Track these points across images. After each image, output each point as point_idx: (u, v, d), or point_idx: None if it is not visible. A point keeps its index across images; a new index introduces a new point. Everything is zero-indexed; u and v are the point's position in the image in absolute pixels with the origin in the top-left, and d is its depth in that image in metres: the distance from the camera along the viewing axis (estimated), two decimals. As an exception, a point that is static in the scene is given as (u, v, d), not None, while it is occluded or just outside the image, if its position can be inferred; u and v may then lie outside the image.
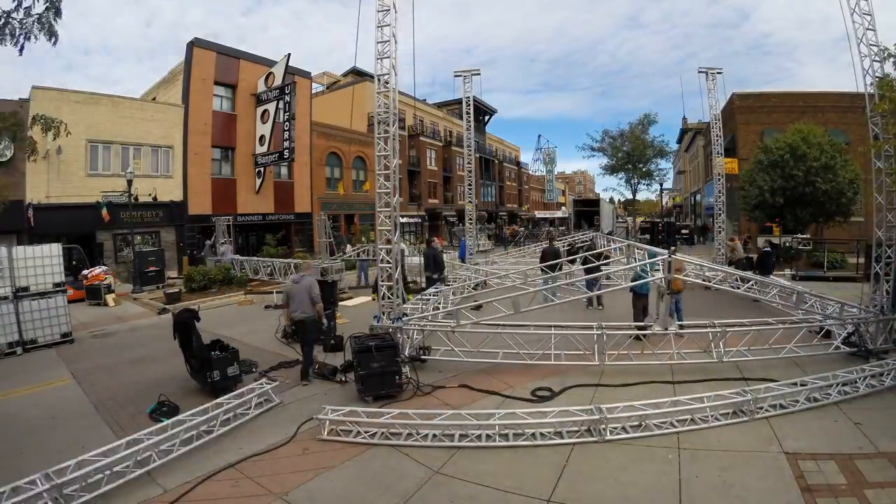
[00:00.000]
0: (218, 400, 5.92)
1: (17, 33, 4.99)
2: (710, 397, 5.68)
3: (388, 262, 7.55)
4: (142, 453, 4.77)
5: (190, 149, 21.15)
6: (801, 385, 5.98)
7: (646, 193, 56.41)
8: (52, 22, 5.00)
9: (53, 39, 5.06)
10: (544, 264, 11.45)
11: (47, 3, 4.96)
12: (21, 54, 5.10)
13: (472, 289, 12.29)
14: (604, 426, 5.22)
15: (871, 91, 7.67)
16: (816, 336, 8.66)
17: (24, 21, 4.98)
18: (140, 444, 4.81)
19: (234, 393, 6.26)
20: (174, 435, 5.09)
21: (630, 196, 48.22)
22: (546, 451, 5.04)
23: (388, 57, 7.45)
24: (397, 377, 6.60)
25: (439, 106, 46.72)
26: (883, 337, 7.59)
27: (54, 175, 16.91)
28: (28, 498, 3.97)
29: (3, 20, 4.94)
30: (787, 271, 16.41)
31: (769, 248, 14.64)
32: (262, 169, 23.81)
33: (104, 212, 17.20)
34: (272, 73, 23.36)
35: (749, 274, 9.76)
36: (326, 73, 40.63)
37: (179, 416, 5.50)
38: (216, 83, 22.49)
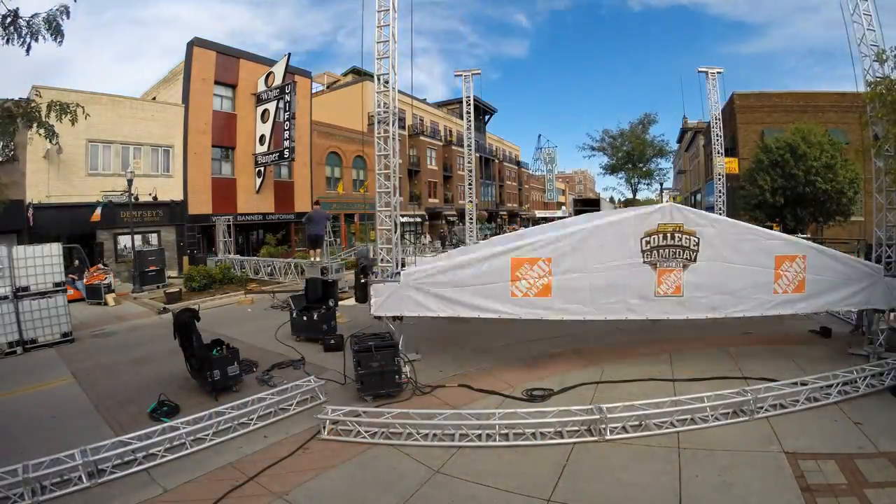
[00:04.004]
0: (260, 395, 6.09)
1: (25, 32, 4.98)
2: (711, 397, 5.67)
3: (389, 263, 7.57)
4: (176, 440, 5.18)
5: (190, 148, 21.13)
6: (802, 385, 5.97)
7: (646, 193, 56.50)
8: (60, 21, 4.98)
9: (59, 39, 5.05)
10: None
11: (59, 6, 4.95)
12: (28, 54, 5.10)
13: None
14: (604, 426, 5.21)
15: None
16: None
17: (32, 21, 4.97)
18: (176, 432, 5.20)
19: (277, 388, 6.34)
20: (209, 426, 5.40)
21: (630, 195, 48.28)
22: (546, 451, 5.04)
23: (387, 57, 7.46)
24: (397, 376, 6.61)
25: (439, 105, 46.71)
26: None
27: (54, 174, 16.90)
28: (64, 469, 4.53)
29: (10, 18, 4.92)
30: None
31: None
32: (262, 168, 23.81)
33: (96, 212, 16.99)
34: (272, 73, 23.35)
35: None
36: (327, 72, 40.65)
37: (218, 408, 5.68)
38: (216, 83, 22.45)
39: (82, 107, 5.99)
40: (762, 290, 7.05)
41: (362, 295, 7.52)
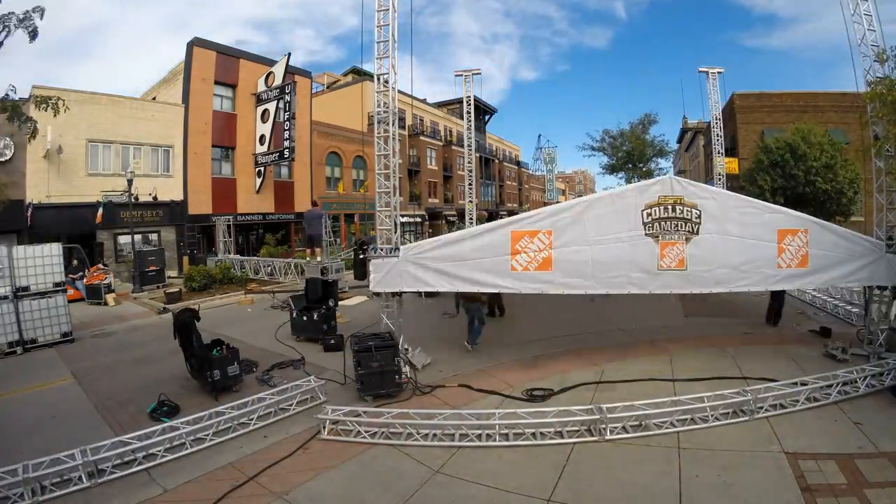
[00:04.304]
0: (260, 395, 6.10)
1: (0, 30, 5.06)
2: (711, 397, 5.67)
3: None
4: (176, 440, 5.19)
5: (190, 148, 21.12)
6: (802, 385, 5.98)
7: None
8: (35, 21, 5.06)
9: (32, 37, 5.13)
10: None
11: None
12: None
13: None
14: (604, 426, 5.22)
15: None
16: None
17: (7, 18, 5.03)
18: (176, 432, 5.21)
19: (277, 388, 6.33)
20: (209, 426, 5.40)
21: (630, 196, 48.09)
22: (546, 451, 5.04)
23: (387, 57, 7.45)
24: (397, 376, 6.61)
25: (439, 105, 46.69)
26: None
27: (54, 174, 16.89)
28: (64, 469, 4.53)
29: None
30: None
31: None
32: (262, 168, 23.80)
33: (99, 213, 17.09)
34: (272, 73, 23.33)
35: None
36: (327, 72, 40.67)
37: (218, 408, 5.68)
38: (216, 83, 22.43)
39: (63, 99, 6.08)
40: (766, 264, 6.98)
41: (361, 272, 7.47)
